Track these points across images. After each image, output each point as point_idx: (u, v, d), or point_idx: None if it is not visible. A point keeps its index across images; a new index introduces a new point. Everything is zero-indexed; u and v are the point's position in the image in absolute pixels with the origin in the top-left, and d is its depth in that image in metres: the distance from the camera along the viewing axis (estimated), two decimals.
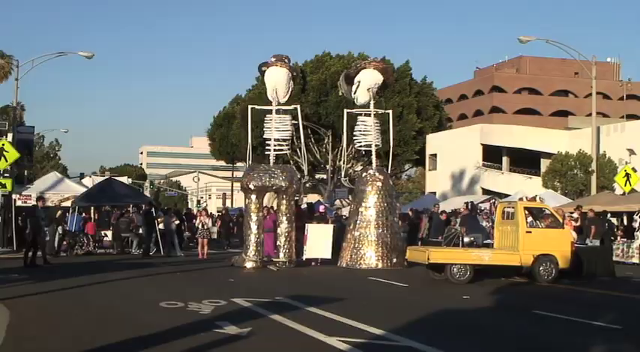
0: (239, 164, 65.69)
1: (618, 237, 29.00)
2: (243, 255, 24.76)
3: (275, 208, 27.83)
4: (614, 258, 25.17)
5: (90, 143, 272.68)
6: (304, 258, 25.43)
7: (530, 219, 20.99)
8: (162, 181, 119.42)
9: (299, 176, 26.35)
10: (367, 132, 26.38)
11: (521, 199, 28.84)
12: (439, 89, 69.93)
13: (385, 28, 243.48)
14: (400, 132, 51.60)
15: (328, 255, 25.42)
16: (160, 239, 29.94)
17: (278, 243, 24.99)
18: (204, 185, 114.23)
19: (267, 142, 26.36)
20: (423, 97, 57.70)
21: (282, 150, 26.32)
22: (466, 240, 23.96)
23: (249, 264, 24.19)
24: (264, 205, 26.76)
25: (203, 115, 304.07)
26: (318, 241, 25.42)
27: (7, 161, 31.47)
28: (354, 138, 26.98)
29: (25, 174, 45.05)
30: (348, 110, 27.37)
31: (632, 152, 42.77)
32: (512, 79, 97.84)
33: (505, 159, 58.77)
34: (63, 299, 15.34)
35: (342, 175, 30.10)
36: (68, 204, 33.62)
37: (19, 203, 31.89)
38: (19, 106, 50.89)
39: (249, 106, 27.80)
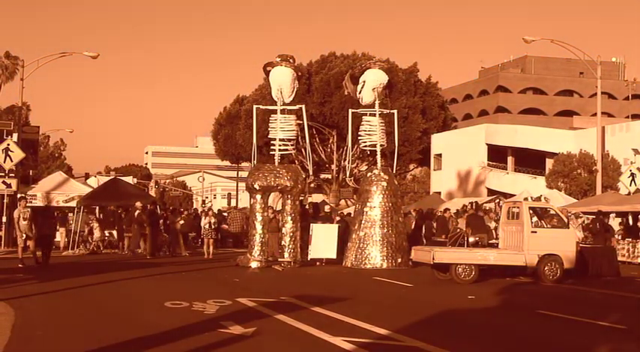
0: (244, 164, 65.68)
1: (616, 237, 28.98)
2: (248, 254, 24.78)
3: (279, 208, 27.82)
4: (620, 258, 25.16)
5: (95, 143, 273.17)
6: (309, 257, 25.43)
7: (535, 219, 20.96)
8: (167, 181, 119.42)
9: (304, 176, 26.30)
10: (372, 132, 26.34)
11: (526, 199, 28.87)
12: (444, 89, 69.88)
13: (390, 28, 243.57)
14: (405, 133, 51.61)
15: (333, 255, 25.40)
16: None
17: (283, 242, 24.99)
18: (209, 185, 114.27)
19: (272, 142, 26.36)
20: (428, 97, 57.74)
21: (287, 150, 26.29)
22: (471, 240, 23.92)
23: (254, 264, 24.19)
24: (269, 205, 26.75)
25: (208, 115, 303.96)
26: (323, 241, 25.42)
27: (12, 161, 31.54)
28: (359, 138, 26.95)
29: (30, 174, 45.07)
30: (353, 110, 27.35)
31: (637, 152, 42.64)
32: (517, 78, 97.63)
33: (510, 159, 58.69)
34: (68, 299, 15.36)
35: (347, 175, 30.02)
36: (73, 204, 33.67)
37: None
38: (24, 106, 50.99)
39: (254, 106, 27.80)
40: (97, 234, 31.83)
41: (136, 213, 29.86)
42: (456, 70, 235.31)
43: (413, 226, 29.23)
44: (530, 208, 20.71)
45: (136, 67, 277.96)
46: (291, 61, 26.11)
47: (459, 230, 25.53)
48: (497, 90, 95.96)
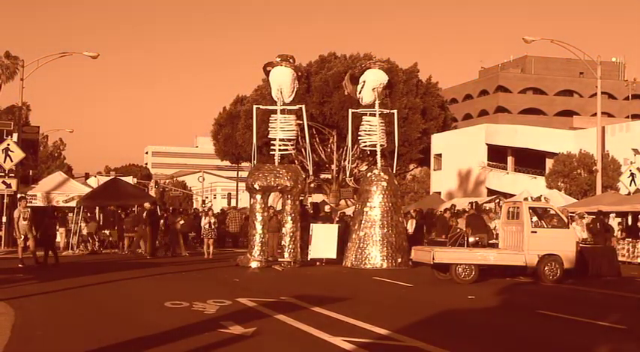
0: (244, 164, 65.67)
1: (617, 237, 28.98)
2: (248, 254, 24.78)
3: (279, 208, 27.81)
4: (620, 258, 25.15)
5: (95, 143, 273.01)
6: (309, 257, 25.43)
7: (535, 219, 20.95)
8: (167, 181, 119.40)
9: (304, 176, 26.30)
10: (372, 131, 26.35)
11: (526, 199, 28.87)
12: (444, 89, 69.90)
13: (390, 28, 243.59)
14: (405, 133, 51.61)
15: (333, 255, 25.41)
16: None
17: (283, 242, 24.99)
18: (209, 185, 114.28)
19: (272, 142, 26.36)
20: (428, 97, 57.76)
21: (287, 150, 26.30)
22: (471, 240, 23.91)
23: (254, 264, 24.19)
24: (270, 205, 26.74)
25: (208, 115, 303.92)
26: (323, 241, 25.42)
27: (12, 161, 31.54)
28: (359, 138, 26.96)
29: (30, 174, 45.07)
30: (353, 110, 27.35)
31: (637, 152, 42.63)
32: (517, 78, 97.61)
33: (510, 159, 58.71)
34: (68, 299, 15.36)
35: (347, 175, 30.03)
36: (73, 204, 33.67)
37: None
38: (24, 106, 50.96)
39: (254, 106, 27.81)
40: (85, 232, 31.87)
41: (144, 214, 29.89)
42: (456, 70, 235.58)
43: (413, 226, 29.21)
44: (530, 208, 20.71)
45: (136, 67, 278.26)
46: (291, 61, 26.10)
47: (458, 230, 25.53)
48: (497, 90, 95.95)
